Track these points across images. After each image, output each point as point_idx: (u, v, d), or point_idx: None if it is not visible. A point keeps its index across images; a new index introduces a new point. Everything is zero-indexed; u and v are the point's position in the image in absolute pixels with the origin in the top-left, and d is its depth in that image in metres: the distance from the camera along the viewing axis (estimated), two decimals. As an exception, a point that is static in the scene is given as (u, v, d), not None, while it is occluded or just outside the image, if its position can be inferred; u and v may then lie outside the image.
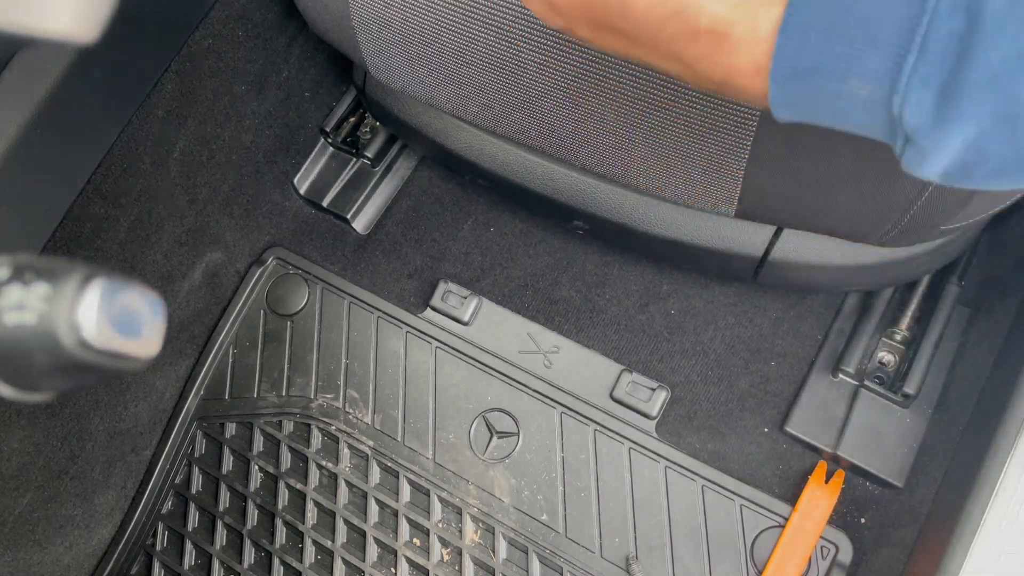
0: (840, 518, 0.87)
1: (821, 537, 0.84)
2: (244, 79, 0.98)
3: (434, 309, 1.01)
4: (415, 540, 0.94)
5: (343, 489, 0.97)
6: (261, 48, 0.98)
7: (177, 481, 1.04)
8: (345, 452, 0.98)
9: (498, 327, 1.00)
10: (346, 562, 0.95)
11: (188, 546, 1.01)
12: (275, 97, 1.04)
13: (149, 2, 0.82)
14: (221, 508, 1.01)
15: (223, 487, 1.01)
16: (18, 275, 0.30)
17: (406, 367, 1.00)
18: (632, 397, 0.93)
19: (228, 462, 1.02)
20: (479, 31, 0.65)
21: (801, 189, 0.62)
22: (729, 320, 0.97)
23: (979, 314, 0.87)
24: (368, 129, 1.12)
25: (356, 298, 1.04)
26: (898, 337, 0.89)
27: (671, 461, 0.90)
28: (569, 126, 0.69)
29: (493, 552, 0.91)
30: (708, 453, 0.91)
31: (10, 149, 0.73)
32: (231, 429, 1.03)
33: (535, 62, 0.64)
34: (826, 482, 0.86)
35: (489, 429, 0.96)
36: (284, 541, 0.98)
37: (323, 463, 0.99)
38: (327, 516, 0.97)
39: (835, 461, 0.88)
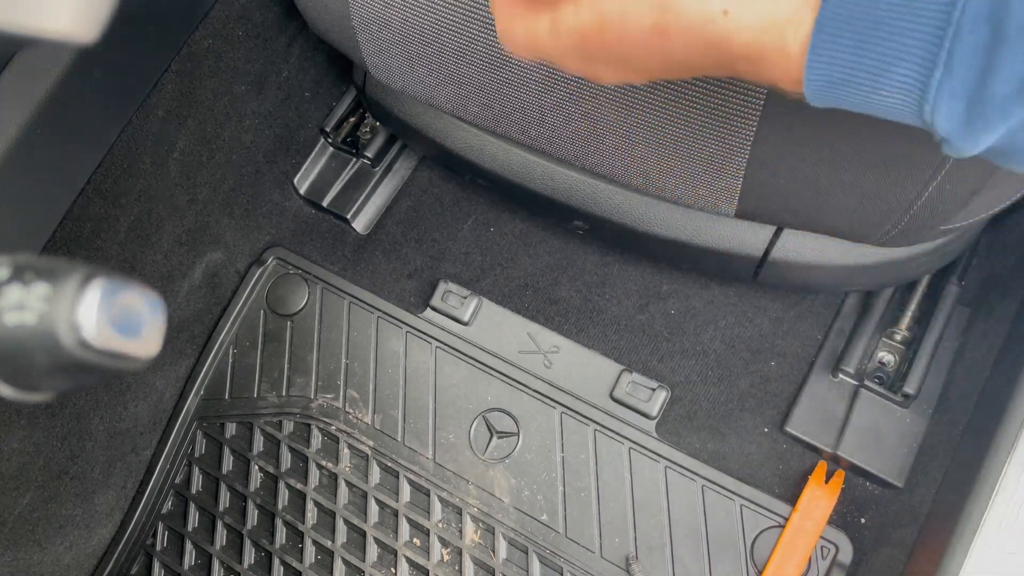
0: (840, 518, 0.87)
1: (821, 537, 0.84)
2: (244, 79, 0.98)
3: (434, 309, 1.01)
4: (415, 540, 0.94)
5: (343, 489, 0.97)
6: (261, 48, 0.98)
7: (177, 481, 1.04)
8: (345, 452, 0.98)
9: (498, 327, 1.00)
10: (346, 562, 0.95)
11: (188, 546, 1.01)
12: (275, 97, 1.04)
13: (149, 2, 0.82)
14: (221, 508, 1.01)
15: (223, 487, 1.01)
16: (18, 275, 0.30)
17: (406, 367, 1.00)
18: (632, 397, 0.93)
19: (228, 462, 1.02)
20: (479, 31, 0.65)
21: (801, 189, 0.62)
22: (729, 320, 0.97)
23: (979, 314, 0.87)
24: (368, 129, 1.12)
25: (356, 298, 1.04)
26: (898, 337, 0.89)
27: (671, 461, 0.90)
28: (569, 126, 0.69)
29: (493, 552, 0.91)
30: (708, 453, 0.91)
31: (10, 149, 0.73)
32: (231, 429, 1.03)
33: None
34: (826, 482, 0.86)
35: (489, 429, 0.96)
36: (284, 541, 0.98)
37: (323, 463, 0.99)
38: (327, 516, 0.97)
39: (835, 461, 0.88)
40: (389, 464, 0.97)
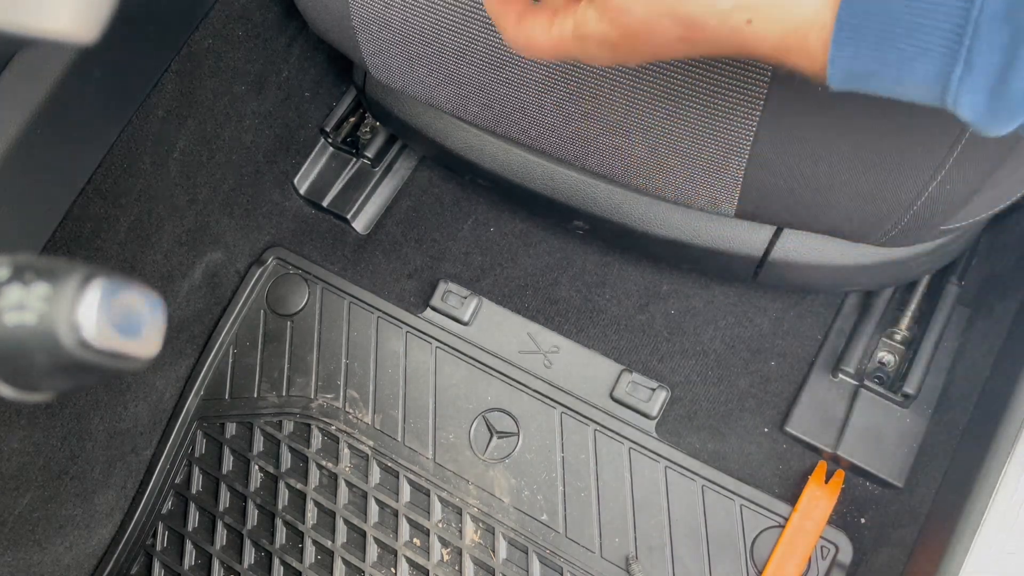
0: (840, 518, 0.87)
1: (821, 537, 0.84)
2: (244, 79, 0.98)
3: (434, 309, 1.01)
4: (415, 540, 0.94)
5: (343, 489, 0.97)
6: (261, 48, 0.98)
7: (177, 481, 1.04)
8: (345, 452, 0.98)
9: (498, 327, 1.00)
10: (346, 562, 0.95)
11: (188, 546, 1.01)
12: (275, 97, 1.04)
13: (149, 2, 0.82)
14: (221, 508, 1.01)
15: (223, 487, 1.01)
16: (18, 275, 0.30)
17: (406, 367, 1.00)
18: (632, 397, 0.93)
19: (228, 462, 1.02)
20: (479, 31, 0.65)
21: (801, 189, 0.62)
22: (729, 320, 0.97)
23: (979, 314, 0.87)
24: (368, 129, 1.12)
25: (356, 298, 1.04)
26: (898, 337, 0.89)
27: (671, 461, 0.90)
28: (569, 126, 0.69)
29: (493, 552, 0.91)
30: (708, 453, 0.91)
31: (10, 149, 0.73)
32: (231, 429, 1.03)
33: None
34: (826, 482, 0.86)
35: (489, 429, 0.96)
36: (284, 541, 0.98)
37: (323, 463, 0.99)
38: (327, 516, 0.97)
39: (835, 461, 0.88)
40: (389, 464, 0.97)
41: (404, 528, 0.94)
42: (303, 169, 1.11)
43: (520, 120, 0.72)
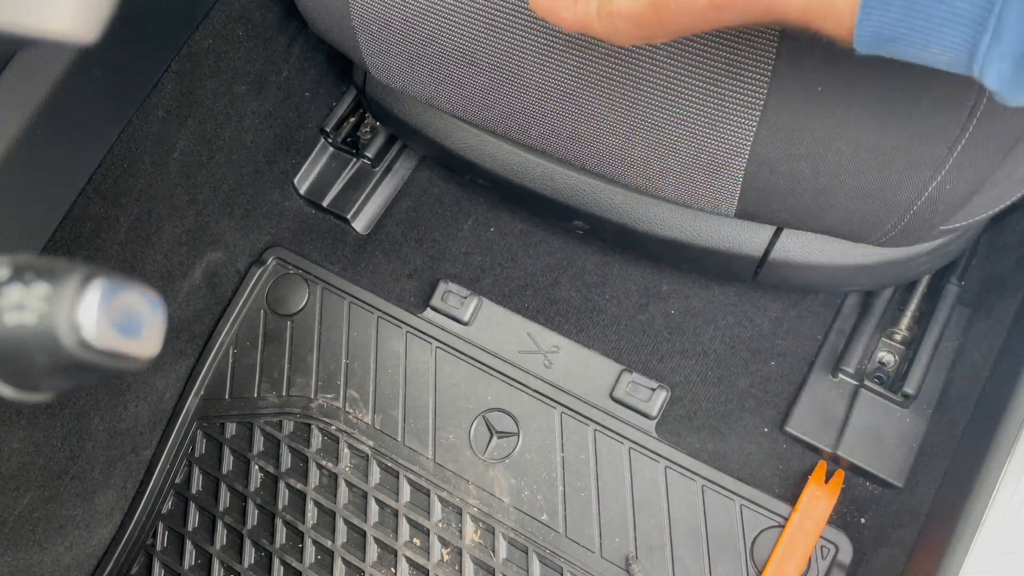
0: (840, 518, 0.87)
1: (821, 537, 0.84)
2: (244, 79, 0.98)
3: (434, 309, 1.01)
4: (415, 540, 0.94)
5: (343, 489, 0.97)
6: (261, 48, 0.98)
7: (177, 481, 1.04)
8: (345, 452, 0.98)
9: (498, 327, 1.00)
10: (346, 562, 0.95)
11: (188, 546, 1.01)
12: (275, 97, 1.04)
13: (149, 2, 0.82)
14: (221, 508, 1.01)
15: (223, 487, 1.02)
16: (18, 275, 0.30)
17: (406, 367, 1.00)
18: (632, 397, 0.93)
19: (228, 462, 1.02)
20: (480, 31, 0.65)
21: (801, 189, 0.62)
22: (729, 320, 0.97)
23: (979, 314, 0.87)
24: (368, 129, 1.12)
25: (356, 298, 1.04)
26: (898, 337, 0.89)
27: (671, 461, 0.90)
28: (569, 126, 0.69)
29: (493, 552, 0.91)
30: (708, 453, 0.91)
31: (10, 149, 0.73)
32: (231, 429, 1.03)
33: (536, 63, 0.64)
34: (826, 482, 0.86)
35: (489, 429, 0.96)
36: (284, 541, 0.98)
37: (323, 463, 0.99)
38: (327, 516, 0.97)
39: (835, 461, 0.88)
40: (389, 464, 0.97)
41: (404, 528, 0.94)
42: (303, 169, 1.11)
43: (520, 120, 0.72)
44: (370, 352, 1.02)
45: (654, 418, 0.92)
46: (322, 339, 1.04)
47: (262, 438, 1.02)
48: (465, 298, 1.00)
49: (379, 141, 1.10)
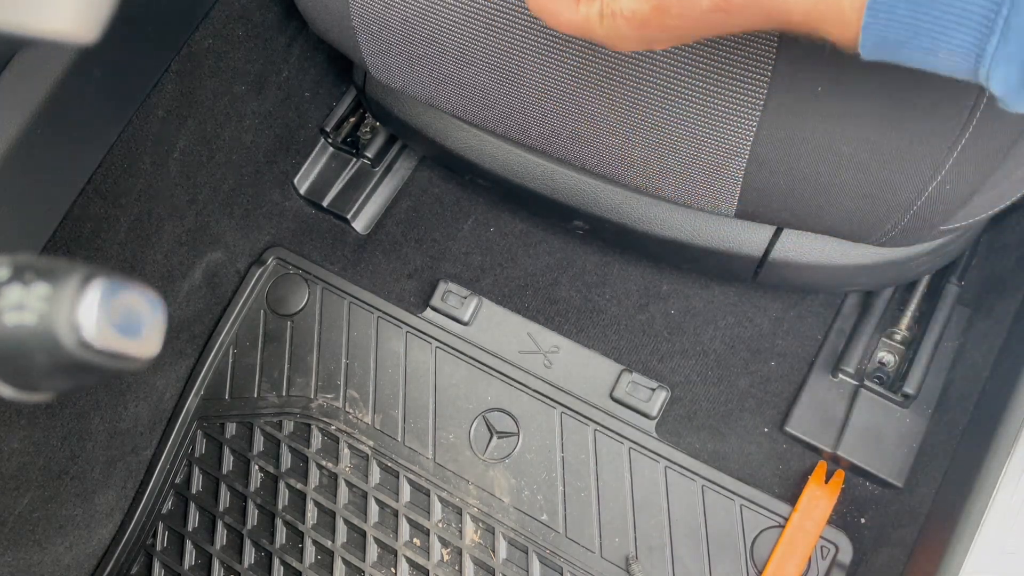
0: (840, 518, 0.87)
1: (821, 537, 0.84)
2: (244, 79, 0.98)
3: (434, 309, 1.01)
4: (415, 540, 0.94)
5: (343, 489, 0.97)
6: (261, 48, 0.98)
7: (177, 481, 1.04)
8: (345, 452, 0.98)
9: (498, 327, 1.00)
10: (346, 562, 0.95)
11: (188, 546, 1.01)
12: (275, 97, 1.04)
13: (149, 2, 0.82)
14: (221, 508, 1.01)
15: (223, 487, 1.02)
16: (18, 275, 0.30)
17: (406, 367, 1.00)
18: (632, 397, 0.93)
19: (228, 462, 1.02)
20: (480, 31, 0.65)
21: (801, 189, 0.62)
22: (729, 320, 0.97)
23: (979, 314, 0.87)
24: (368, 129, 1.12)
25: (356, 298, 1.04)
26: (898, 337, 0.89)
27: (671, 461, 0.90)
28: (569, 126, 0.69)
29: (493, 552, 0.91)
30: (708, 453, 0.91)
31: (10, 149, 0.73)
32: (231, 429, 1.03)
33: (535, 63, 0.64)
34: (826, 482, 0.86)
35: (489, 429, 0.96)
36: (284, 541, 0.98)
37: (323, 463, 0.99)
38: (327, 516, 0.97)
39: (835, 461, 0.88)
40: (389, 464, 0.97)
41: (404, 528, 0.94)
42: (303, 169, 1.11)
43: (520, 120, 0.72)
44: (370, 352, 1.02)
45: (654, 418, 0.92)
46: (322, 339, 1.04)
47: (262, 438, 1.02)
48: (465, 298, 1.00)
49: (379, 141, 1.10)
